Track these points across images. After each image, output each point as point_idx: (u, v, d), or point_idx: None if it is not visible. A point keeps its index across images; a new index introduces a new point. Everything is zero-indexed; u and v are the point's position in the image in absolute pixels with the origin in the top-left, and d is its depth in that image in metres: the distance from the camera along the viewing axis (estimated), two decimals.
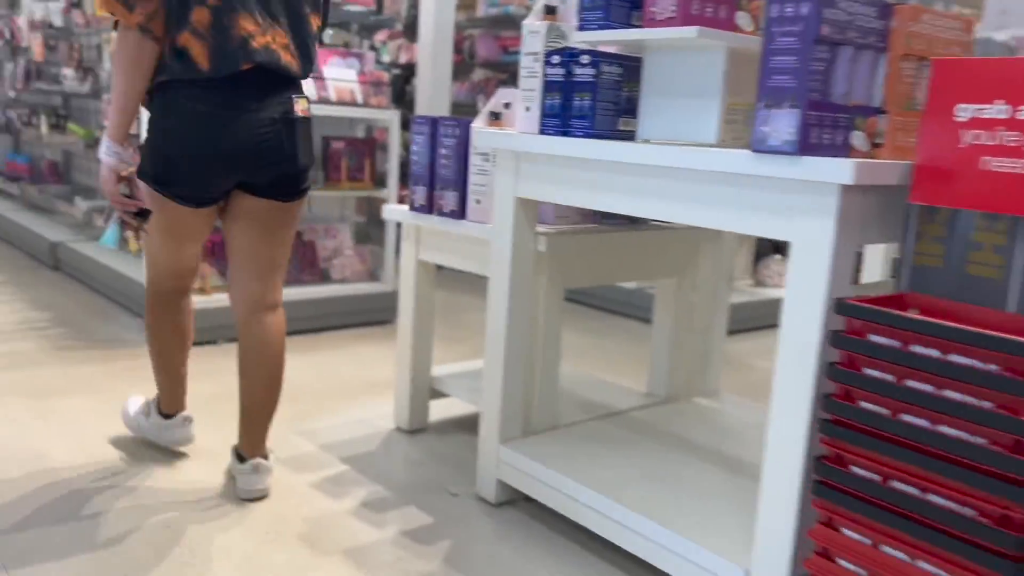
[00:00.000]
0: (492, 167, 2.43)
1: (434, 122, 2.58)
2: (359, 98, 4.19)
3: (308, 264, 4.26)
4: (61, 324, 3.99)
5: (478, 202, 2.47)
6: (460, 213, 2.52)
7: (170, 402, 2.51)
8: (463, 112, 6.20)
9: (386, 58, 6.16)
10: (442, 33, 5.71)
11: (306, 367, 3.57)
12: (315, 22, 2.18)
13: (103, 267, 4.52)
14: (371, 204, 5.39)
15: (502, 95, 2.52)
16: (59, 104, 6.26)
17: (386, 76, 4.30)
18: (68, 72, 5.48)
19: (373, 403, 3.17)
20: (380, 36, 6.14)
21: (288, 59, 2.08)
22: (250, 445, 2.30)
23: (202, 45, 1.98)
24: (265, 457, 2.32)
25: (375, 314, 4.38)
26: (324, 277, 4.31)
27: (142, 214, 2.18)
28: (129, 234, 2.46)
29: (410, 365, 2.82)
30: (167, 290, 2.34)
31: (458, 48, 6.20)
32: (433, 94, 5.73)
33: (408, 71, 6.52)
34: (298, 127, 2.12)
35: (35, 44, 5.76)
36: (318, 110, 3.98)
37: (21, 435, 2.64)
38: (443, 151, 2.55)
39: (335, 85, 4.11)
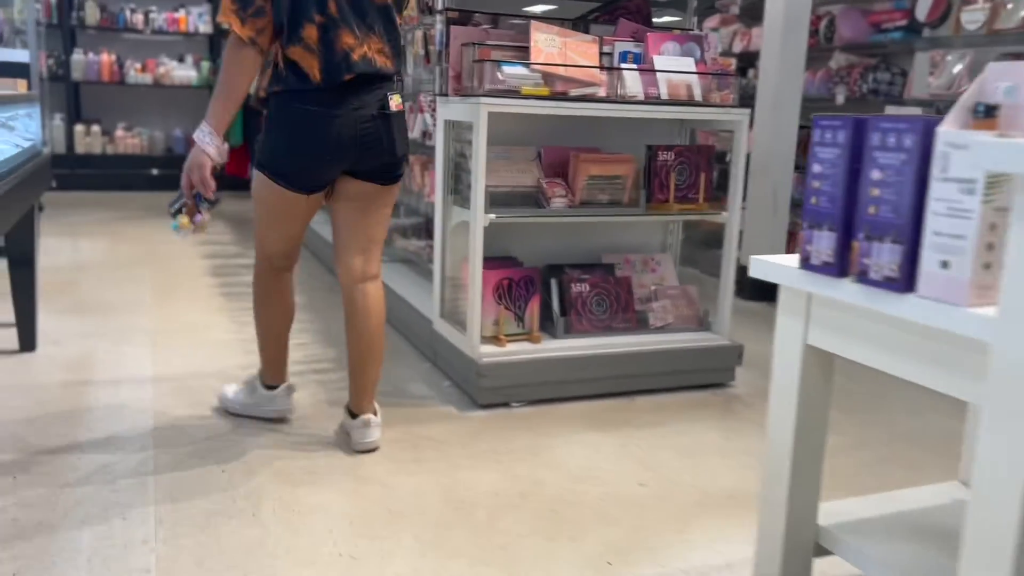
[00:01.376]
0: (981, 204, 1.33)
1: (858, 125, 1.54)
2: (697, 94, 3.23)
3: (620, 306, 3.38)
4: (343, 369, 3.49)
5: (945, 265, 1.38)
6: (906, 281, 1.45)
7: (275, 374, 2.81)
8: (816, 108, 4.98)
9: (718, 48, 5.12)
10: (795, 11, 4.54)
11: (615, 456, 2.68)
12: (399, 19, 2.52)
13: (400, 300, 4.01)
14: (696, 227, 4.39)
15: (995, 74, 1.41)
16: None
17: (732, 64, 3.28)
18: None
19: (716, 529, 2.19)
20: (711, 22, 5.05)
21: (383, 61, 2.44)
22: (359, 403, 2.63)
23: (312, 58, 2.31)
24: (375, 413, 2.65)
25: (705, 375, 3.39)
26: (639, 322, 3.40)
27: (213, 202, 2.44)
28: (184, 218, 2.46)
29: (785, 507, 1.79)
30: (276, 267, 2.64)
31: (811, 29, 4.98)
32: (780, 86, 4.58)
33: (743, 62, 5.41)
34: (393, 121, 2.46)
35: None
36: (644, 112, 3.07)
37: None
38: (876, 173, 1.50)
39: (667, 79, 3.18)
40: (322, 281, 5.16)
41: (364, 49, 2.37)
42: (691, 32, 3.40)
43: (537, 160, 3.33)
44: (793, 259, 1.71)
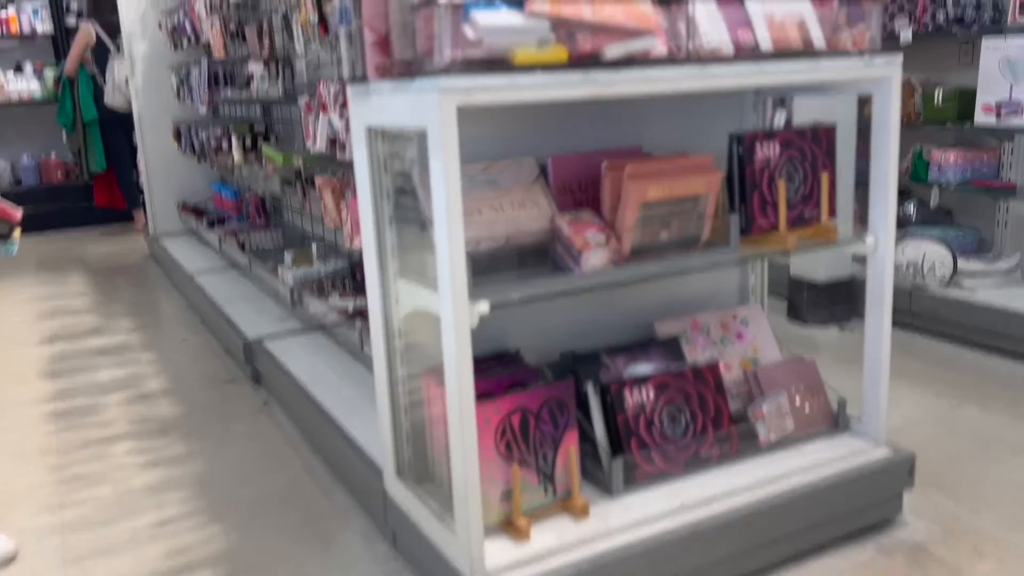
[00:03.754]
0: None
1: None
2: (817, 37, 1.79)
3: (708, 415, 1.95)
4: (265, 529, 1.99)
5: None
6: None
7: None
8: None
9: None
10: None
11: None
12: None
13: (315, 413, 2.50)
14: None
15: None
16: (257, 117, 4.44)
17: None
18: (255, 68, 3.56)
19: None
20: None
21: None
22: None
23: None
24: None
25: (856, 516, 2.00)
26: (742, 438, 1.98)
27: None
28: None
29: None
30: None
31: None
32: None
33: None
34: None
35: (214, 35, 3.92)
36: (738, 77, 1.64)
37: None
38: None
39: (768, 14, 1.73)
40: (209, 374, 3.58)
41: None
42: None
43: (542, 180, 1.87)
44: None
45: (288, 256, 3.73)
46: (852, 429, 2.09)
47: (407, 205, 1.79)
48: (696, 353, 2.13)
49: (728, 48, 1.69)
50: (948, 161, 3.49)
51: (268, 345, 3.16)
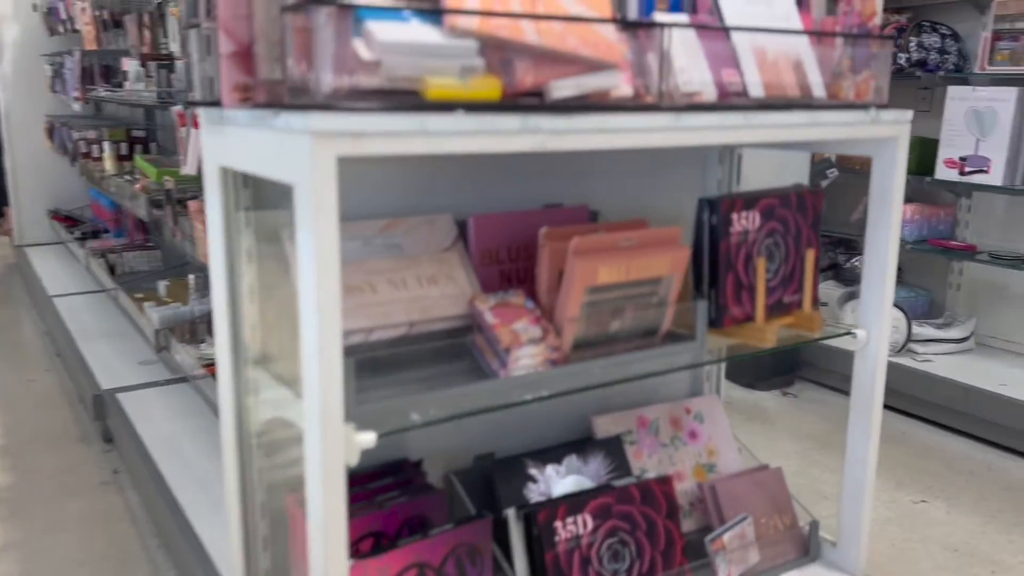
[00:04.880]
0: None
1: None
2: (817, 83, 1.41)
3: (658, 549, 1.55)
4: None
5: None
6: None
7: None
8: None
9: None
10: None
11: None
12: None
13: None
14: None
15: None
16: (137, 120, 3.86)
17: (877, 15, 1.49)
18: (130, 66, 3.02)
19: None
20: None
21: None
22: None
23: None
24: None
25: None
26: (695, 571, 1.58)
27: None
28: None
29: None
30: None
31: None
32: None
33: None
34: None
35: (84, 22, 3.35)
36: (723, 130, 1.24)
37: None
38: None
39: (759, 50, 1.34)
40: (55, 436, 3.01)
41: None
42: None
43: (460, 246, 1.43)
44: None
45: (163, 286, 3.19)
46: (825, 558, 1.72)
47: (275, 271, 1.33)
48: (642, 458, 1.73)
49: (710, 92, 1.29)
50: (905, 216, 3.22)
51: (123, 399, 2.62)
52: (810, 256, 1.59)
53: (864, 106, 1.46)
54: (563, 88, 1.15)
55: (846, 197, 3.46)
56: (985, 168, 2.93)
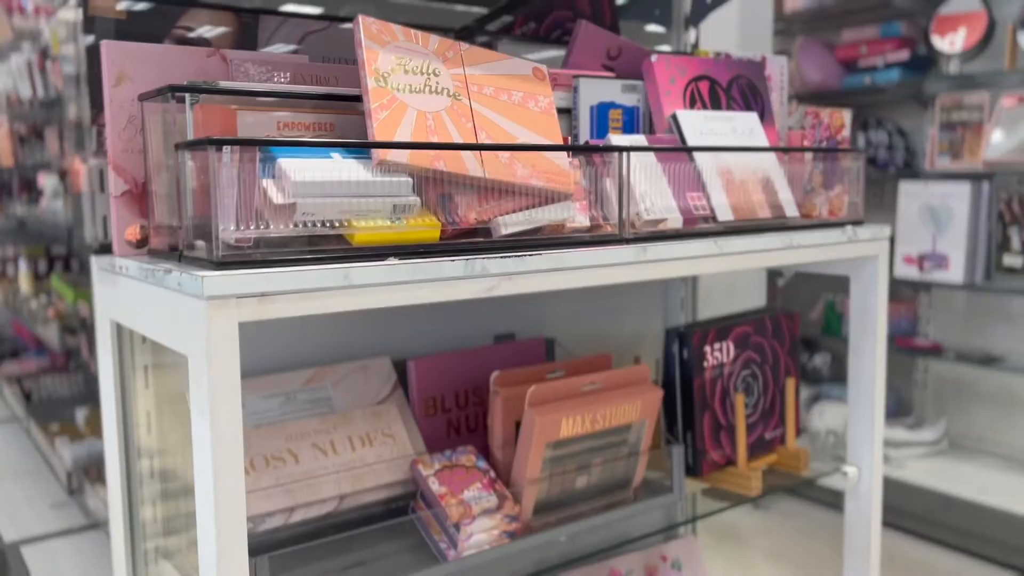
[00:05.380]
0: None
1: None
2: (789, 204, 1.29)
3: None
4: None
5: None
6: None
7: None
8: None
9: None
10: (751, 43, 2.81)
11: None
12: None
13: None
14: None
15: None
16: (57, 237, 3.64)
17: (846, 126, 1.39)
18: (47, 182, 2.83)
19: None
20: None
21: None
22: None
23: None
24: None
25: None
26: None
27: None
28: None
29: None
30: None
31: None
32: None
33: None
34: None
35: (1, 137, 3.16)
36: (695, 262, 1.10)
37: None
38: None
39: (726, 170, 1.22)
40: None
41: None
42: (724, 56, 1.46)
43: (400, 395, 1.25)
44: None
45: (80, 416, 2.92)
46: None
47: (183, 443, 1.13)
48: None
49: (675, 218, 1.16)
50: None
51: (27, 552, 2.32)
52: (790, 385, 1.44)
53: (839, 223, 1.34)
54: (512, 224, 1.00)
55: (803, 295, 3.37)
56: (944, 265, 2.87)
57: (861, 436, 1.42)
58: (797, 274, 3.31)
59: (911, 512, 2.76)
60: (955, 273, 2.84)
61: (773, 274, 3.30)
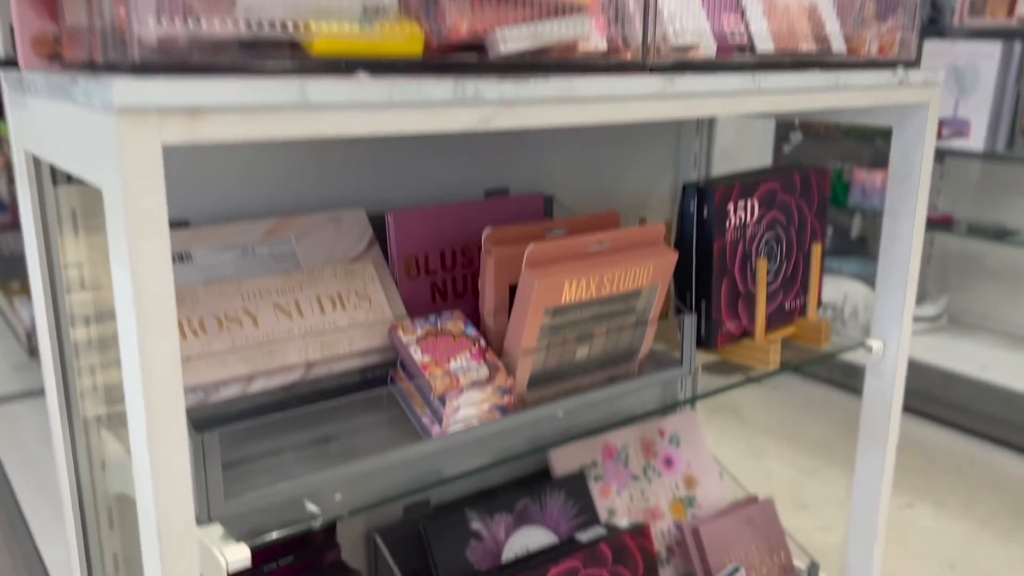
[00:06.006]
0: None
1: None
2: (836, 36, 1.10)
3: None
4: None
5: None
6: None
7: None
8: None
9: None
10: None
11: None
12: None
13: None
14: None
15: None
16: None
17: None
18: None
19: None
20: None
21: None
22: None
23: None
24: None
25: None
26: None
27: None
28: None
29: None
30: None
31: None
32: None
33: None
34: None
35: None
36: (728, 95, 0.91)
37: None
38: None
39: None
40: None
41: None
42: None
43: (377, 251, 1.08)
44: None
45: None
46: None
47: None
48: (610, 496, 1.43)
49: (708, 45, 0.96)
50: (875, 185, 2.96)
51: None
52: (816, 251, 1.29)
53: (891, 65, 1.16)
54: (512, 40, 0.81)
55: (807, 163, 3.19)
56: (965, 132, 2.69)
57: (891, 309, 1.29)
58: (805, 138, 3.12)
59: (910, 388, 2.69)
60: (975, 140, 2.65)
61: (780, 138, 3.10)
